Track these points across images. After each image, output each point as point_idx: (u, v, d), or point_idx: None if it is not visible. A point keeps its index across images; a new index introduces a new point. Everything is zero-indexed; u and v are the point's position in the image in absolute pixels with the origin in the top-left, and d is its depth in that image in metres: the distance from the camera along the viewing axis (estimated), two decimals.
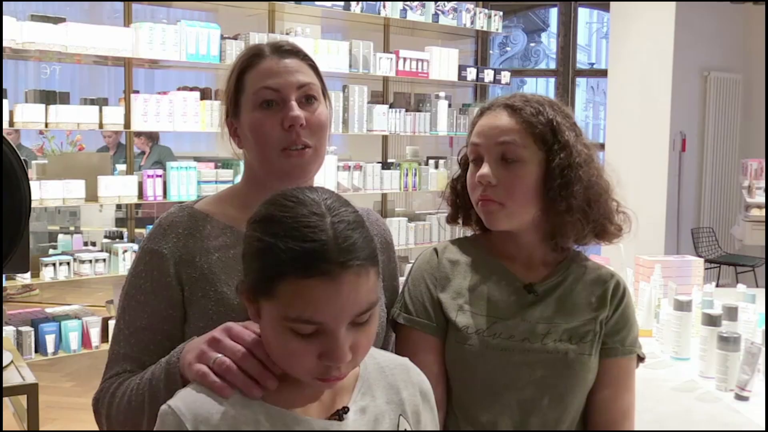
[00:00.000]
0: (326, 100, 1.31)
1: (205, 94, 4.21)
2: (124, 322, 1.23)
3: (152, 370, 1.11)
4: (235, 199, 1.31)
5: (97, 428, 1.22)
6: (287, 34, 4.46)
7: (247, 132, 1.26)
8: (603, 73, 7.48)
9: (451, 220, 1.45)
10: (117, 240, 4.41)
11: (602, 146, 6.40)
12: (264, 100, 1.24)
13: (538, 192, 1.30)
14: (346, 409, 0.98)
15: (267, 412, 0.95)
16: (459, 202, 1.41)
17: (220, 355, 0.97)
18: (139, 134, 6.17)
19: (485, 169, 1.29)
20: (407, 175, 4.91)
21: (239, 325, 1.01)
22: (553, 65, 8.92)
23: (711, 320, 2.14)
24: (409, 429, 1.04)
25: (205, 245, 1.24)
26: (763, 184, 5.50)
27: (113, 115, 3.84)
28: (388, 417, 1.02)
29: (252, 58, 1.27)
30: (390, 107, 4.85)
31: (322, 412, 0.98)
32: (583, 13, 11.01)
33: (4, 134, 1.31)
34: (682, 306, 2.29)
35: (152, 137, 6.59)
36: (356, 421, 0.99)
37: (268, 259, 0.91)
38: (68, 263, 3.75)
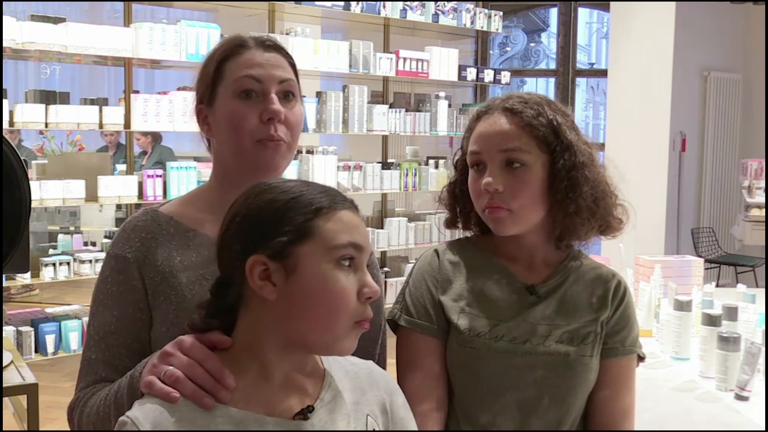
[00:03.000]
0: (301, 99, 1.30)
1: None
2: (93, 328, 1.23)
3: (119, 383, 1.11)
4: (199, 200, 1.31)
5: None
6: (287, 34, 4.46)
7: (222, 120, 1.25)
8: (603, 73, 7.48)
9: (451, 224, 1.43)
10: None
11: (602, 146, 6.41)
12: (244, 90, 1.23)
13: (545, 194, 1.29)
14: (311, 408, 0.99)
15: (228, 414, 0.95)
16: (458, 207, 1.41)
17: (170, 367, 0.97)
18: (145, 133, 6.17)
19: (490, 176, 1.28)
20: (407, 175, 4.91)
21: (191, 338, 1.00)
22: (553, 65, 8.93)
23: (711, 320, 2.14)
24: (377, 429, 1.04)
25: (167, 249, 1.23)
26: (763, 184, 5.51)
27: (113, 115, 3.84)
28: (355, 417, 1.03)
29: (235, 48, 1.26)
30: (390, 107, 4.86)
31: (287, 413, 0.98)
32: (583, 13, 11.02)
33: (4, 134, 1.31)
34: (682, 306, 2.29)
35: (154, 137, 6.59)
36: (322, 421, 0.99)
37: (300, 204, 0.98)
38: (68, 263, 3.75)
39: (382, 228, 4.90)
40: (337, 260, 0.97)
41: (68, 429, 1.23)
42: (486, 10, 5.33)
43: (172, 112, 3.97)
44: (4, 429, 2.57)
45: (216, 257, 1.03)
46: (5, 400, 2.74)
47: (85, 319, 3.76)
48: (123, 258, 1.23)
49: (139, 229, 1.25)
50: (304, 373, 1.02)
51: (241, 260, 0.97)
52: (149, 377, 0.98)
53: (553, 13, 10.35)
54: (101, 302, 1.23)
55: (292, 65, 1.30)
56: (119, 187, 3.86)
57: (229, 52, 1.26)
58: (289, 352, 0.99)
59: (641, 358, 1.37)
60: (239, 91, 1.23)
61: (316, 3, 4.45)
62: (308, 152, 4.57)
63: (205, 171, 4.06)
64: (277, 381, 0.99)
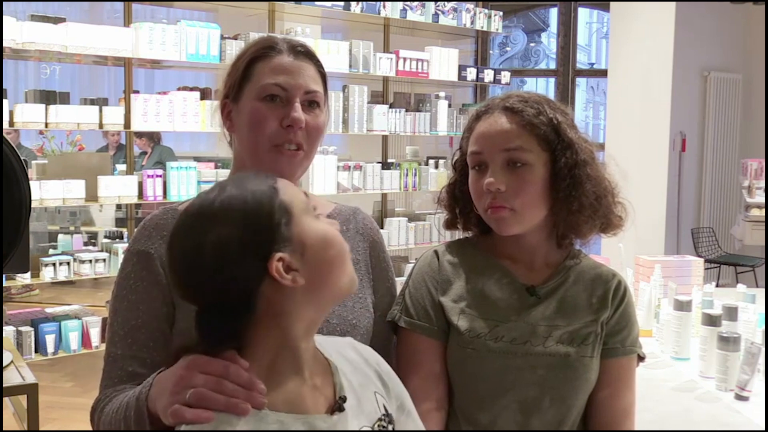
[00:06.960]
0: (326, 109, 1.31)
1: (205, 94, 4.21)
2: (117, 324, 1.23)
3: (128, 399, 1.09)
4: None
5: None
6: (287, 34, 4.45)
7: (244, 119, 1.26)
8: (603, 73, 7.48)
9: (450, 225, 1.43)
10: (117, 240, 4.41)
11: (602, 146, 6.41)
12: (269, 94, 1.24)
13: (547, 193, 1.29)
14: (343, 398, 0.98)
15: (279, 420, 0.93)
16: (458, 208, 1.40)
17: (191, 390, 0.93)
18: (140, 135, 6.17)
19: (492, 176, 1.28)
20: (407, 175, 4.90)
21: (202, 357, 0.96)
22: (553, 65, 8.92)
23: (711, 320, 2.14)
24: (386, 404, 1.04)
25: None
26: (763, 184, 5.51)
27: (113, 115, 3.83)
28: (367, 397, 1.03)
29: (267, 49, 1.27)
30: (390, 107, 4.85)
31: (317, 407, 0.97)
32: (583, 13, 11.01)
33: (4, 134, 1.31)
34: (682, 306, 2.29)
35: (153, 138, 6.59)
36: (353, 408, 0.99)
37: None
38: (68, 263, 3.75)
39: (382, 228, 4.90)
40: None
41: (68, 429, 1.23)
42: (486, 10, 5.32)
43: (172, 112, 3.97)
44: (4, 429, 2.57)
45: (192, 297, 0.98)
46: (5, 400, 2.74)
47: (85, 319, 3.79)
48: (146, 254, 1.23)
49: (161, 227, 1.25)
50: (318, 369, 1.01)
51: (252, 279, 0.94)
52: (174, 407, 0.93)
53: (553, 13, 10.35)
54: (124, 298, 1.23)
55: (322, 75, 1.31)
56: (119, 187, 3.85)
57: (259, 53, 1.27)
58: (308, 359, 0.98)
59: (641, 358, 1.37)
60: (264, 95, 1.24)
61: (316, 3, 4.44)
62: None
63: (206, 171, 4.06)
64: (306, 383, 0.98)
